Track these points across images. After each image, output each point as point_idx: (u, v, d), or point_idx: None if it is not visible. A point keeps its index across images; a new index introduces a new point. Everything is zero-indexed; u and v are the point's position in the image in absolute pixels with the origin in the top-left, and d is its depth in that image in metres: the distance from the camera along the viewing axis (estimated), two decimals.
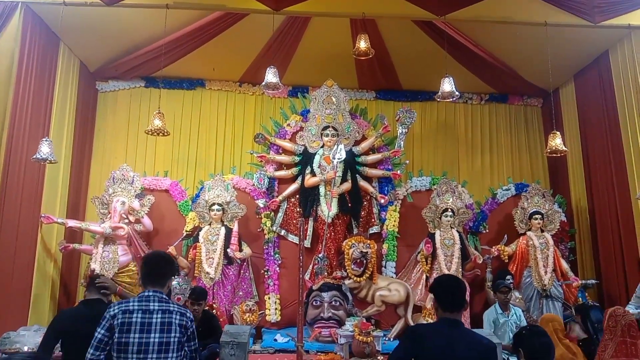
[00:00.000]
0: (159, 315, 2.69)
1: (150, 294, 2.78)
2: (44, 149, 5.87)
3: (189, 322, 2.80)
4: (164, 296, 2.81)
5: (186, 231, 7.51)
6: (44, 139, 5.97)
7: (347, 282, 6.98)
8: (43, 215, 6.68)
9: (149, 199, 7.46)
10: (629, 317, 3.35)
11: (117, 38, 7.47)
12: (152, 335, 2.64)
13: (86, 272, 7.06)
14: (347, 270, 6.94)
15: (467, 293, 5.89)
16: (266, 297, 7.43)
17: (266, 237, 7.60)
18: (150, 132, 6.56)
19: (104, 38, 7.39)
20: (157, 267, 2.94)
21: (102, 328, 2.67)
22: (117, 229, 6.96)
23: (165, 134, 6.75)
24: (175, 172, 8.37)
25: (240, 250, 7.30)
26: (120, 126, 8.55)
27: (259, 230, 7.67)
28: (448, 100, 6.61)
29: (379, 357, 6.17)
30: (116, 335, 2.64)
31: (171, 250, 7.14)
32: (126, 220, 7.15)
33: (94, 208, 7.30)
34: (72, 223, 7.03)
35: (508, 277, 7.04)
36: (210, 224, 7.30)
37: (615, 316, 3.36)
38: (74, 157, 7.65)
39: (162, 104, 7.18)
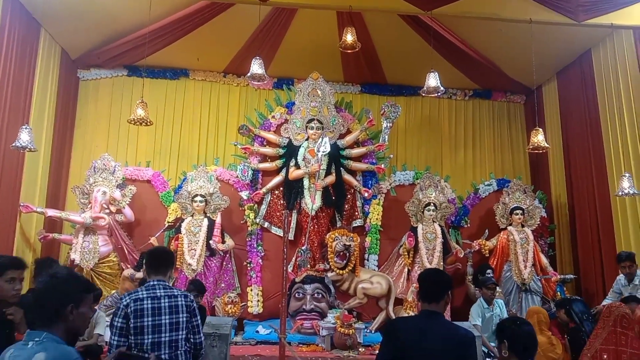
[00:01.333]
0: (166, 300, 3.05)
1: (155, 282, 3.11)
2: (24, 137, 5.75)
3: (191, 302, 3.17)
4: (167, 284, 3.15)
5: (168, 222, 7.46)
6: (23, 127, 5.85)
7: (329, 274, 7.01)
8: (22, 204, 6.57)
9: (130, 189, 7.39)
10: (622, 309, 3.54)
11: (99, 25, 7.34)
12: (163, 317, 3.01)
13: (66, 262, 6.98)
14: (330, 263, 6.96)
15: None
16: (248, 289, 7.42)
17: (249, 229, 7.59)
18: (132, 122, 6.48)
19: (86, 25, 7.26)
20: (159, 259, 3.27)
21: (119, 317, 2.97)
22: (98, 219, 6.89)
23: (148, 123, 6.65)
24: (158, 163, 8.27)
25: (223, 242, 7.27)
26: (101, 115, 8.42)
27: (242, 222, 7.65)
28: (433, 95, 6.65)
29: (360, 349, 6.24)
30: (132, 321, 2.95)
31: (152, 241, 7.10)
32: (107, 211, 7.08)
33: (74, 197, 7.20)
34: (51, 212, 6.94)
35: (488, 271, 7.13)
36: (192, 216, 7.25)
37: (611, 308, 3.56)
38: (54, 146, 7.52)
39: (144, 94, 7.07)
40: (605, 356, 3.32)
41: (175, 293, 3.12)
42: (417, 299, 2.86)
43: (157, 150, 8.46)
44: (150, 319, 2.98)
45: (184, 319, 3.08)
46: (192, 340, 3.13)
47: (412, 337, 2.59)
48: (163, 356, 2.93)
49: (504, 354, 2.60)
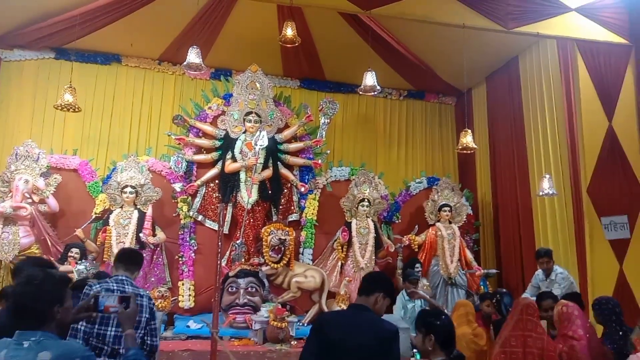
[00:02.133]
0: None
1: (124, 278, 3.17)
2: None
3: (153, 305, 3.26)
4: (133, 282, 3.24)
5: (95, 213, 7.17)
6: None
7: (264, 268, 7.00)
8: None
9: (55, 178, 7.02)
10: (527, 300, 3.93)
11: (25, 3, 6.90)
12: None
13: None
14: (265, 257, 6.96)
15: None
16: (180, 283, 7.26)
17: (182, 222, 7.42)
18: (59, 107, 6.17)
19: (10, 2, 6.81)
20: (132, 258, 3.38)
21: None
22: (19, 209, 6.52)
23: (77, 110, 6.36)
24: (85, 151, 7.90)
25: (154, 235, 7.07)
26: (25, 99, 7.91)
27: (174, 215, 7.47)
28: (369, 94, 6.77)
29: (292, 342, 6.29)
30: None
31: (78, 233, 6.81)
32: (29, 200, 6.70)
33: None
34: None
35: (417, 265, 7.38)
36: (122, 207, 7.01)
37: (518, 300, 3.96)
38: None
39: (73, 78, 6.77)
40: (513, 341, 3.62)
41: (141, 293, 3.20)
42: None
43: (85, 138, 8.07)
44: None
45: (145, 318, 3.12)
46: (148, 342, 3.15)
47: (337, 330, 2.64)
48: (121, 350, 2.94)
49: (428, 347, 2.67)
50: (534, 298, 5.67)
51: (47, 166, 7.02)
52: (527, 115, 7.67)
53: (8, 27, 7.45)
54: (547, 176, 6.60)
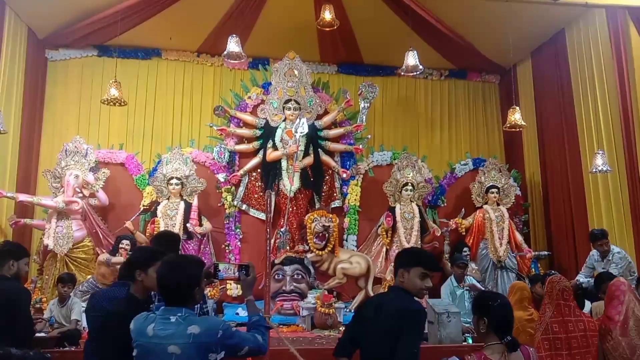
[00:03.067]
0: None
1: None
2: None
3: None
4: None
5: (143, 206, 7.33)
6: None
7: (309, 255, 7.01)
8: None
9: (103, 172, 7.23)
10: (563, 282, 3.74)
11: (68, 3, 7.07)
12: None
13: (39, 247, 6.82)
14: (309, 244, 6.96)
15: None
16: None
17: (227, 211, 7.52)
18: (106, 102, 6.31)
19: (54, 3, 6.99)
20: (171, 240, 3.46)
21: None
22: (71, 204, 6.73)
23: (122, 103, 6.50)
24: (131, 145, 8.06)
25: (200, 225, 7.18)
26: (71, 96, 8.13)
27: (219, 204, 7.57)
28: (411, 74, 6.62)
29: (340, 328, 6.27)
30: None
31: (128, 225, 6.98)
32: (80, 195, 6.91)
33: (46, 181, 7.00)
34: (22, 197, 6.75)
35: (465, 249, 7.25)
36: (168, 199, 7.14)
37: (552, 282, 3.75)
38: (23, 128, 7.28)
39: (116, 74, 6.87)
40: (555, 327, 3.54)
41: None
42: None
43: (130, 133, 8.23)
44: None
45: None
46: None
47: (370, 309, 2.78)
48: None
49: (481, 330, 2.62)
50: (589, 279, 5.51)
51: (96, 161, 7.23)
52: (576, 90, 7.35)
53: (53, 27, 7.65)
54: (601, 152, 6.32)
